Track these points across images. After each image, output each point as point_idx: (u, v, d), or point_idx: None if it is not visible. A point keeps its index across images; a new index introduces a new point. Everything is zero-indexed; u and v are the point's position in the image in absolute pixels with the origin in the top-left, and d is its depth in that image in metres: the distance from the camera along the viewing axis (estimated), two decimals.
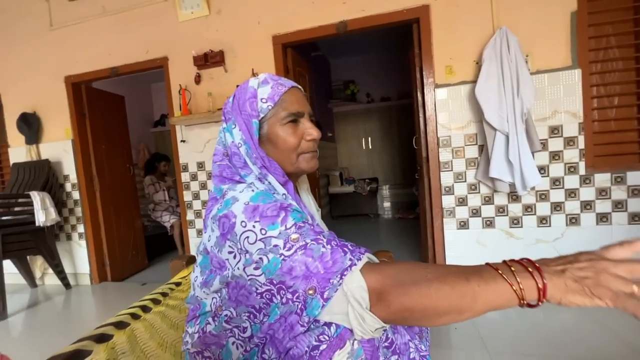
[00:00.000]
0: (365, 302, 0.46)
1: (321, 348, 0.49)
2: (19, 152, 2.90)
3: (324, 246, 0.50)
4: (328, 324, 0.50)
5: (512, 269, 0.42)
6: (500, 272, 0.42)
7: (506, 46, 1.83)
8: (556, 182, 1.96)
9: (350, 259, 0.49)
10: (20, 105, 2.86)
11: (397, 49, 4.88)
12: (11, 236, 2.43)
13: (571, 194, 1.95)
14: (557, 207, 1.97)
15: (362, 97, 5.37)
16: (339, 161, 5.53)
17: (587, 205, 1.93)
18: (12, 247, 2.44)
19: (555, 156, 1.95)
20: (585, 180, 1.93)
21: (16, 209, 2.53)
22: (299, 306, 0.49)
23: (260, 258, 0.51)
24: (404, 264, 0.48)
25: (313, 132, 0.64)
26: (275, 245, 0.50)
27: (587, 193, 1.93)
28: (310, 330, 0.51)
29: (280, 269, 0.50)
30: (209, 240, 0.60)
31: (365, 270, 0.48)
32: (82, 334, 0.70)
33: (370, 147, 5.45)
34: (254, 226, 0.52)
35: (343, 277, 0.47)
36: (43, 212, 2.51)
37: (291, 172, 0.65)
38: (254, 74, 2.31)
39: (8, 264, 2.73)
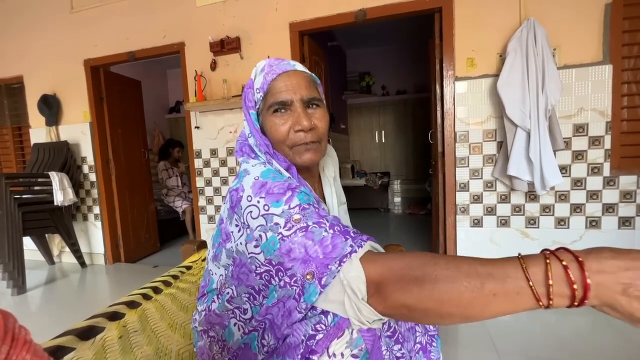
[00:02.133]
0: (361, 293, 0.43)
1: (317, 337, 0.47)
2: (39, 133, 2.97)
3: (326, 230, 0.47)
4: (325, 313, 0.48)
5: (549, 266, 0.38)
6: (531, 284, 0.37)
7: (533, 38, 1.75)
8: (578, 183, 1.89)
9: (351, 246, 0.46)
10: (41, 87, 2.92)
11: (415, 41, 4.76)
12: (31, 214, 2.51)
13: (593, 195, 1.87)
14: (577, 208, 1.90)
15: (377, 89, 5.27)
16: (351, 154, 5.48)
17: (609, 208, 1.86)
18: (31, 224, 2.53)
19: (578, 156, 1.87)
20: (609, 182, 1.85)
21: (36, 188, 2.61)
22: (297, 291, 0.48)
23: (260, 235, 0.50)
24: (413, 256, 0.43)
25: (302, 122, 0.58)
26: (276, 224, 0.49)
27: (610, 195, 1.85)
28: (307, 319, 0.49)
29: (278, 249, 0.48)
30: (224, 212, 0.60)
31: (365, 259, 0.45)
32: (96, 311, 0.72)
33: (383, 140, 5.38)
34: (258, 201, 0.52)
35: (342, 264, 0.44)
36: (61, 192, 2.58)
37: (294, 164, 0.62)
38: None
39: (28, 241, 2.84)
